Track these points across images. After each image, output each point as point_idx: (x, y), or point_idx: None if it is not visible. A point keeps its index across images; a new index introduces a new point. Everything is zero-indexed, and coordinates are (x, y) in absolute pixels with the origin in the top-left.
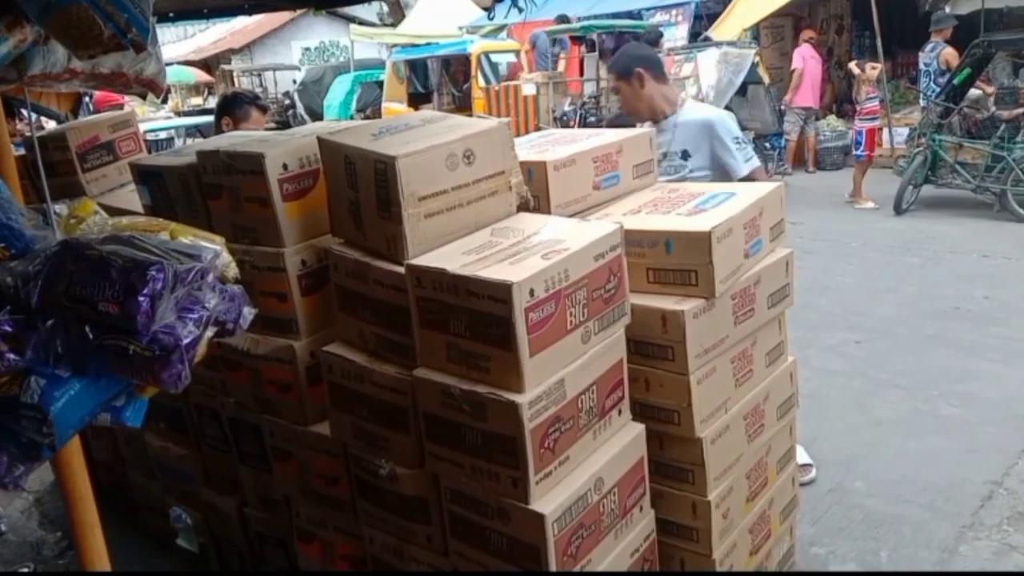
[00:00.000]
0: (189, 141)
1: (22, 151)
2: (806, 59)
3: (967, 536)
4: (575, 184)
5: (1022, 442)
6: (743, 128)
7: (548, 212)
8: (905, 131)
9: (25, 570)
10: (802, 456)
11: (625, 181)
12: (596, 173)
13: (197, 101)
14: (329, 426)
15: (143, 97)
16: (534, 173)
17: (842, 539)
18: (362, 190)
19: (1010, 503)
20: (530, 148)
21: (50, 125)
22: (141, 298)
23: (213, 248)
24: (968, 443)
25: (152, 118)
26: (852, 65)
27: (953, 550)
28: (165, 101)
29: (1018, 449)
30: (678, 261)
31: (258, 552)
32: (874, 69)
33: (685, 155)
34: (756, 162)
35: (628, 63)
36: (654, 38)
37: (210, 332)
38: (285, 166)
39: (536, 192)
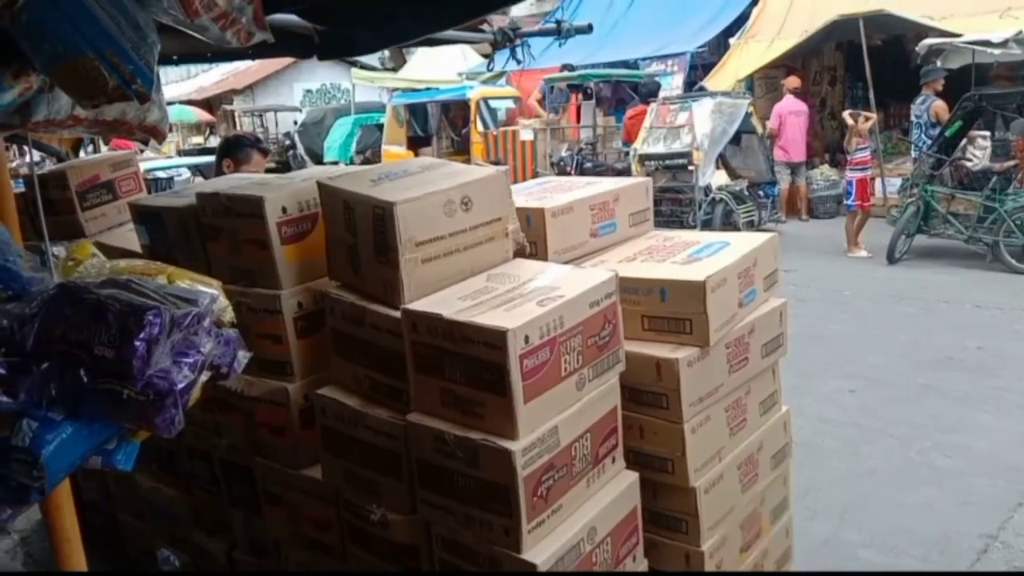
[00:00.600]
0: (197, 179)
1: (21, 188)
2: (784, 116)
3: None
4: (572, 231)
5: (1017, 495)
6: (736, 176)
7: (545, 258)
8: (898, 181)
9: None
10: None
11: (621, 229)
12: (593, 221)
13: (198, 140)
14: (321, 470)
15: (145, 143)
16: (532, 219)
17: None
18: (360, 235)
19: (1006, 557)
20: (528, 195)
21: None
22: (137, 343)
23: (210, 293)
24: (963, 495)
25: (170, 156)
26: (846, 114)
27: None
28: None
29: (1013, 502)
30: (673, 309)
31: None
32: (867, 121)
33: None
34: None
35: None
36: (654, 88)
37: (205, 376)
38: (284, 209)
39: (533, 239)
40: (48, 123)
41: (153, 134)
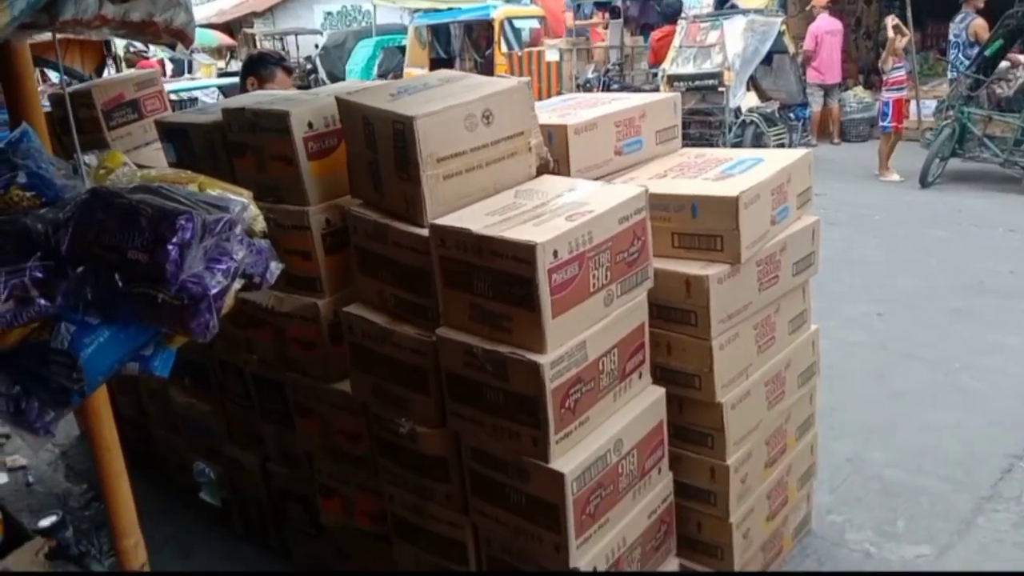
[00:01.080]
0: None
1: (48, 108)
2: (820, 36)
3: (985, 508)
4: (596, 148)
5: None
6: (767, 98)
7: (567, 176)
8: (933, 103)
9: (53, 518)
10: None
11: (648, 146)
12: (618, 138)
13: (219, 64)
14: (350, 385)
15: (172, 48)
16: (554, 136)
17: (859, 508)
18: (381, 151)
19: None
20: (551, 112)
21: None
22: (170, 247)
23: (241, 201)
24: (990, 417)
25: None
26: (889, 21)
27: (971, 521)
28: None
29: None
30: (704, 226)
31: (280, 507)
32: (903, 38)
33: None
34: None
35: None
36: (677, 7)
37: (238, 284)
38: (310, 124)
39: (556, 156)
40: (75, 23)
41: (180, 38)
